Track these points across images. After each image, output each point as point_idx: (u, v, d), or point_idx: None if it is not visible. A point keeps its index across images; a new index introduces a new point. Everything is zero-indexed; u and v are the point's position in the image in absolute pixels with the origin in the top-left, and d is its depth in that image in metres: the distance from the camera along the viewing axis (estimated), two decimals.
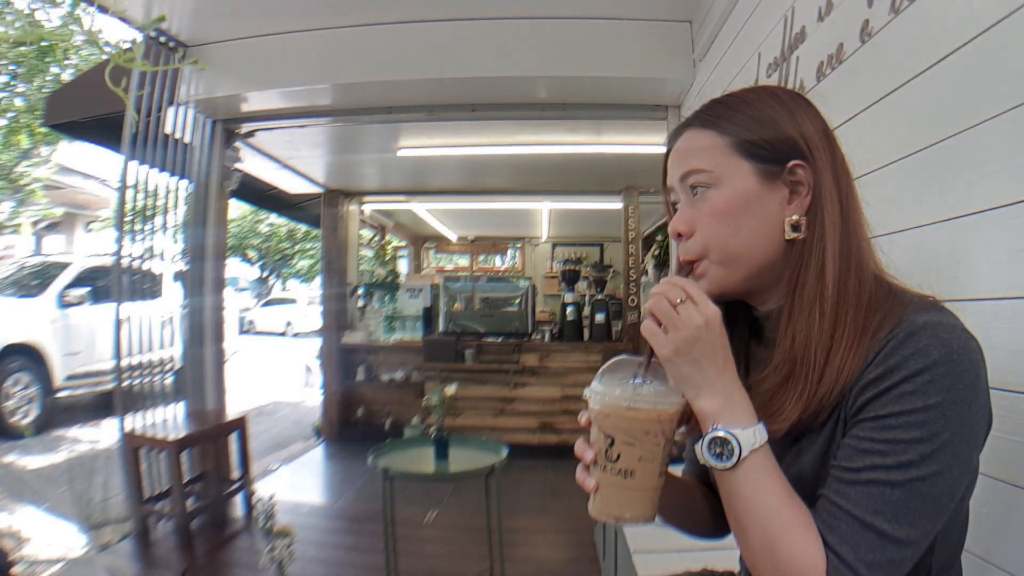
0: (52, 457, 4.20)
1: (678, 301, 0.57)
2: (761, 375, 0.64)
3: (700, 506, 0.79)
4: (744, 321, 0.73)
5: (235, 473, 3.17)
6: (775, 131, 0.63)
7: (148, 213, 2.89)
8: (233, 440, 3.14)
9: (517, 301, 4.90)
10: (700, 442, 0.58)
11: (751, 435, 0.56)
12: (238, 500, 3.13)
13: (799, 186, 0.63)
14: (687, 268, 0.66)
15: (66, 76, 8.16)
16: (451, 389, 2.60)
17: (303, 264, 18.82)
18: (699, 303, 0.58)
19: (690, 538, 0.81)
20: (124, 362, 2.77)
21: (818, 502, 0.56)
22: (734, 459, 0.56)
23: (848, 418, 0.57)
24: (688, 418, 0.63)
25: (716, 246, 0.64)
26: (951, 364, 0.52)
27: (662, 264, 5.11)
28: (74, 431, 4.96)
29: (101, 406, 5.25)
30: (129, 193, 2.81)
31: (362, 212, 5.77)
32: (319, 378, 5.07)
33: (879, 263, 0.64)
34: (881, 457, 0.53)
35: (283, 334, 15.34)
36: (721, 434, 0.57)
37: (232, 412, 3.25)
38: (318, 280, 7.14)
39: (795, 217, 0.62)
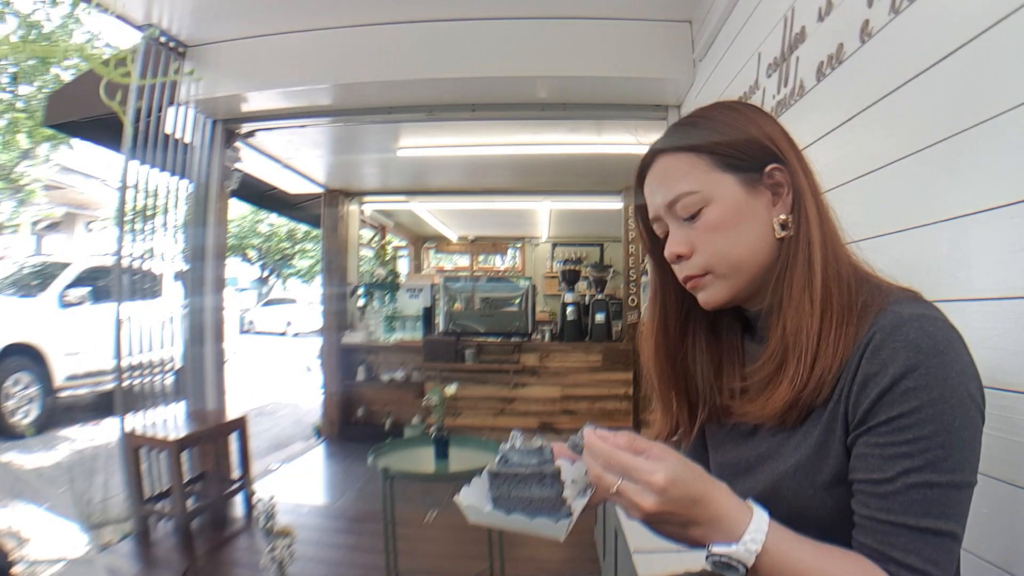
0: (52, 457, 4.19)
1: (613, 490, 0.54)
2: (756, 366, 0.66)
3: None
4: (736, 320, 0.75)
5: (235, 473, 3.17)
6: (746, 139, 0.66)
7: (148, 213, 2.89)
8: (233, 440, 3.14)
9: (517, 301, 4.90)
10: (707, 559, 0.55)
11: (751, 537, 0.54)
12: (238, 500, 3.12)
13: (779, 187, 0.66)
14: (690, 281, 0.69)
15: (66, 76, 8.17)
16: (451, 389, 2.60)
17: (303, 264, 18.82)
18: (648, 475, 0.53)
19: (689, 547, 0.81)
20: (124, 362, 2.76)
21: (866, 523, 0.56)
22: (748, 566, 0.54)
23: (850, 413, 0.58)
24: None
25: (719, 259, 0.66)
26: (941, 355, 0.54)
27: None
28: (74, 431, 4.96)
29: (101, 406, 5.25)
30: (129, 193, 2.80)
31: (362, 212, 5.77)
32: (319, 378, 5.07)
33: (847, 248, 0.67)
34: (910, 460, 0.54)
35: (283, 334, 15.35)
36: (722, 559, 0.54)
37: (232, 412, 3.24)
38: (318, 280, 7.14)
39: (782, 216, 0.65)
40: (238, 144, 3.39)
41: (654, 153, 0.71)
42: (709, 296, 0.68)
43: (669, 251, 0.68)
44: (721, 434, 0.77)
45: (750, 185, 0.66)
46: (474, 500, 0.64)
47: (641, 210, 0.74)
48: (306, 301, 15.66)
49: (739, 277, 0.66)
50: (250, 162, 3.81)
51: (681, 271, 0.69)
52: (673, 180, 0.67)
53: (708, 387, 0.76)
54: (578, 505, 0.63)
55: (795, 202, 0.65)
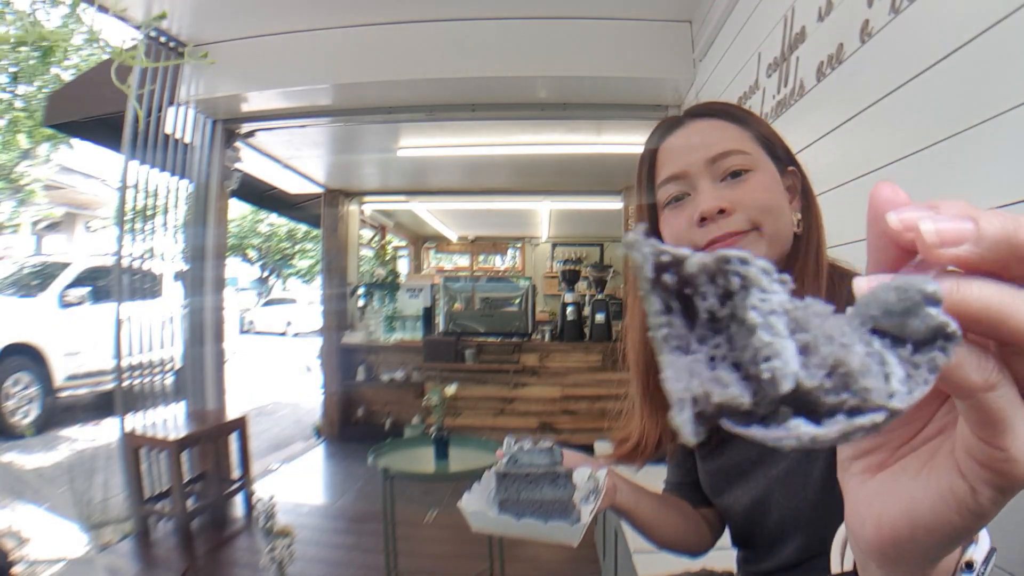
0: (52, 457, 4.19)
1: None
2: None
3: (681, 526, 0.82)
4: None
5: (235, 473, 3.17)
6: (778, 136, 0.70)
7: (148, 213, 2.89)
8: (233, 440, 3.14)
9: (517, 301, 4.90)
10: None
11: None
12: (238, 500, 3.12)
13: (792, 189, 0.70)
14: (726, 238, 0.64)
15: (66, 76, 8.17)
16: (451, 389, 2.60)
17: (303, 264, 18.82)
18: None
19: (674, 555, 0.82)
20: (124, 362, 2.76)
21: None
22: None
23: None
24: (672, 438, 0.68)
25: (768, 219, 0.65)
26: None
27: None
28: (74, 431, 4.96)
29: (101, 406, 5.25)
30: (129, 193, 2.81)
31: (362, 212, 5.77)
32: (319, 378, 5.07)
33: None
34: None
35: (283, 334, 15.34)
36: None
37: (232, 412, 3.24)
38: (318, 280, 7.15)
39: (797, 215, 0.69)
40: (238, 144, 3.39)
41: (690, 116, 0.71)
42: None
43: (708, 206, 0.64)
44: (709, 443, 0.76)
45: (781, 175, 0.69)
46: (478, 505, 0.62)
47: (647, 175, 0.71)
48: (306, 301, 15.65)
49: (777, 246, 0.65)
50: (250, 162, 3.81)
51: (714, 230, 0.64)
52: (721, 139, 0.67)
53: None
54: (587, 510, 0.62)
55: (804, 204, 0.70)
